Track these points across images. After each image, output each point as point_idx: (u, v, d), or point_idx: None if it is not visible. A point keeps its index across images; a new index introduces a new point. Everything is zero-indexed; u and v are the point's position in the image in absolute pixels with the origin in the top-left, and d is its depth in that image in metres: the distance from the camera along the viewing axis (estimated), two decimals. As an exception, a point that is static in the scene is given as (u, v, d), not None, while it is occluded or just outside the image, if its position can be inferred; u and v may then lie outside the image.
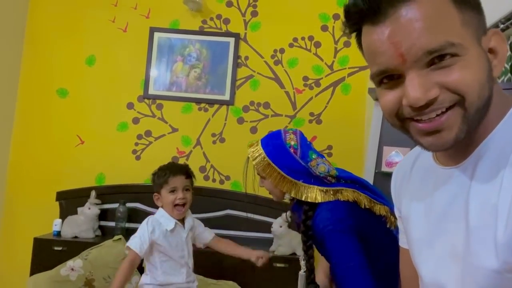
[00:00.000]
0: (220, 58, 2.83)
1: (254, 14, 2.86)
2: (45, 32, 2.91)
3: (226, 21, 2.86)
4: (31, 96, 2.90)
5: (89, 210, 2.53)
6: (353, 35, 0.67)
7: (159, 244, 1.79)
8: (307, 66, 2.81)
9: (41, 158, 2.85)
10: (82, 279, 2.24)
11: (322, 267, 1.47)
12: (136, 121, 2.85)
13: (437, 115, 0.58)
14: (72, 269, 2.23)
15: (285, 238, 2.40)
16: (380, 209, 1.27)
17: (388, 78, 0.61)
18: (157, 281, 1.79)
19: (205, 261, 2.28)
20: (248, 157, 1.37)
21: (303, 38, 2.83)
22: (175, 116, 2.84)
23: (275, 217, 2.47)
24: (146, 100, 2.86)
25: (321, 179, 1.27)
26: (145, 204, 2.62)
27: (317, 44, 2.82)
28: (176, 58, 2.86)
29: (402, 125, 0.63)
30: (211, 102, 2.83)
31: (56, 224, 2.54)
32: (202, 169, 2.81)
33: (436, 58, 0.56)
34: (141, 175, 2.66)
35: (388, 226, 1.27)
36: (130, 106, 2.86)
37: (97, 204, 2.57)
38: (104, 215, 2.64)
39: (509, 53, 1.59)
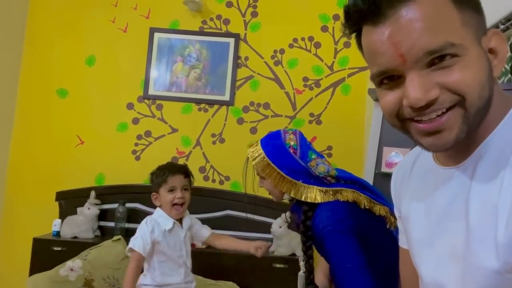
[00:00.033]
0: (220, 59, 2.83)
1: (254, 14, 2.86)
2: (45, 32, 2.91)
3: (226, 22, 2.86)
4: (31, 96, 2.90)
5: (89, 210, 2.52)
6: (353, 35, 0.66)
7: (158, 243, 1.79)
8: (307, 66, 2.81)
9: (41, 158, 2.85)
10: (81, 279, 2.23)
11: (321, 267, 1.47)
12: (136, 121, 2.85)
13: (438, 116, 0.58)
14: (72, 269, 2.23)
15: (284, 239, 2.40)
16: (379, 209, 1.27)
17: (388, 79, 0.61)
18: (155, 281, 1.79)
19: (204, 262, 2.28)
20: (248, 157, 1.37)
21: (303, 39, 2.83)
22: (175, 117, 2.84)
23: (275, 218, 2.47)
24: (146, 101, 2.86)
25: (320, 179, 1.27)
26: (144, 204, 2.62)
27: (317, 45, 2.82)
28: (176, 59, 2.86)
29: (403, 125, 0.63)
30: (211, 103, 2.83)
31: (56, 224, 2.54)
32: (202, 169, 2.80)
33: (436, 59, 0.56)
34: (140, 175, 2.66)
35: (388, 227, 1.27)
36: (130, 106, 2.86)
37: (96, 204, 2.56)
38: (103, 215, 2.63)
39: (509, 53, 1.59)
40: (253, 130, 2.81)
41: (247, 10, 2.86)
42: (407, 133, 0.63)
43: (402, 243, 0.87)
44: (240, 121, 2.82)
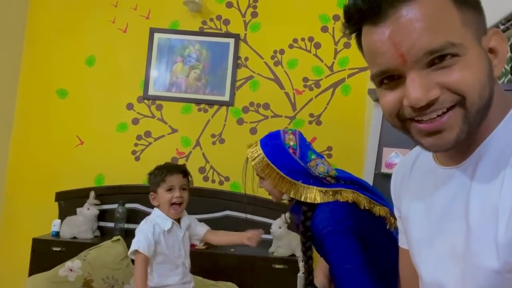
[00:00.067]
0: (220, 59, 2.83)
1: (254, 15, 2.86)
2: (45, 32, 2.91)
3: (226, 22, 2.86)
4: (30, 96, 2.90)
5: (88, 211, 2.52)
6: (353, 35, 0.66)
7: (158, 244, 1.78)
8: (307, 67, 2.81)
9: (41, 158, 2.85)
10: (80, 280, 2.23)
11: (321, 267, 1.46)
12: (135, 121, 2.85)
13: (438, 116, 0.58)
14: (71, 270, 2.23)
15: (284, 239, 2.39)
16: (379, 210, 1.27)
17: (389, 79, 0.61)
18: (153, 283, 1.78)
19: (204, 262, 2.28)
20: (247, 158, 1.36)
21: (303, 39, 2.83)
22: (174, 117, 2.84)
23: (275, 218, 2.47)
24: (145, 101, 2.85)
25: (320, 180, 1.27)
26: (144, 204, 2.62)
27: (317, 45, 2.82)
28: (176, 59, 2.85)
29: (403, 125, 0.63)
30: (210, 103, 2.83)
31: (55, 224, 2.54)
32: (202, 170, 2.80)
33: (437, 58, 0.56)
34: (140, 175, 2.65)
35: (387, 228, 1.27)
36: (129, 106, 2.85)
37: (96, 204, 2.56)
38: (103, 215, 2.63)
39: (509, 54, 1.58)
40: (253, 131, 2.81)
41: (247, 10, 2.86)
42: (408, 133, 0.63)
43: (402, 243, 0.87)
44: (240, 121, 2.82)
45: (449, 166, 0.66)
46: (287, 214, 2.26)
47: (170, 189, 1.81)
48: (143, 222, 1.82)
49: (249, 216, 2.50)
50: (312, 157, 1.30)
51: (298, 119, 2.80)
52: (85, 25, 2.89)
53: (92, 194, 2.56)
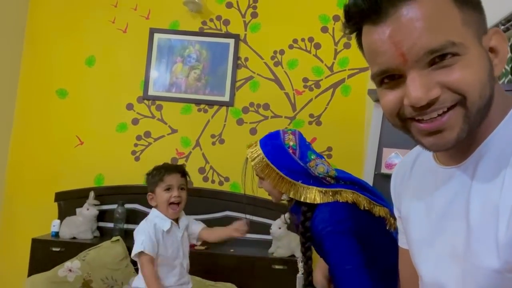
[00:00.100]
0: (220, 59, 2.83)
1: (254, 15, 2.86)
2: (45, 32, 2.91)
3: (226, 22, 2.86)
4: (30, 96, 2.89)
5: (88, 211, 2.52)
6: (353, 35, 0.66)
7: (158, 244, 1.77)
8: (307, 67, 2.81)
9: (40, 158, 2.85)
10: (79, 280, 2.23)
11: (320, 268, 1.46)
12: (135, 122, 2.84)
13: (439, 115, 0.57)
14: (70, 270, 2.22)
15: (284, 240, 2.39)
16: (379, 210, 1.26)
17: (389, 78, 0.61)
18: None
19: (203, 263, 2.28)
20: (247, 158, 1.36)
21: (303, 40, 2.83)
22: (174, 117, 2.84)
23: (274, 219, 2.47)
24: (145, 101, 2.85)
25: (320, 180, 1.27)
26: (143, 205, 2.62)
27: (317, 46, 2.82)
28: (175, 59, 2.85)
29: (404, 125, 0.63)
30: (210, 103, 2.82)
31: (55, 225, 2.54)
32: (202, 170, 2.80)
33: (437, 58, 0.56)
34: (140, 176, 2.63)
35: (387, 228, 1.27)
36: (129, 107, 2.85)
37: (95, 205, 2.56)
38: (102, 216, 2.63)
39: (509, 54, 1.58)
40: (253, 131, 2.80)
41: (247, 10, 2.86)
42: (408, 132, 0.63)
43: (402, 243, 0.87)
44: (240, 122, 2.82)
45: (450, 166, 0.66)
46: (287, 215, 2.26)
47: (168, 189, 1.81)
48: (143, 222, 1.81)
49: (248, 216, 2.50)
50: (312, 157, 1.29)
51: (298, 119, 2.80)
52: (85, 25, 2.89)
53: (91, 194, 2.56)
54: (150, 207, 1.88)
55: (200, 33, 2.85)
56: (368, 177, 2.32)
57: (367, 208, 1.25)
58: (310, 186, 1.26)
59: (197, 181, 2.76)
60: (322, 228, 1.19)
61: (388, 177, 1.13)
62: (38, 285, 2.16)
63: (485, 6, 0.61)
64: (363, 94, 2.70)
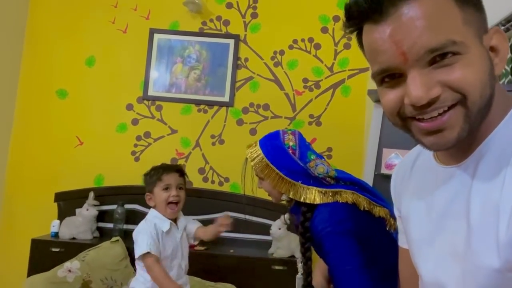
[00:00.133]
0: (219, 60, 2.83)
1: (254, 15, 2.86)
2: (45, 32, 2.91)
3: (226, 23, 2.86)
4: (30, 96, 2.89)
5: (87, 212, 2.52)
6: (354, 34, 0.66)
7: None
8: (307, 68, 2.81)
9: (40, 158, 2.85)
10: (79, 281, 2.22)
11: (319, 268, 1.46)
12: (135, 122, 2.84)
13: (439, 114, 0.57)
14: (69, 271, 2.22)
15: (283, 241, 2.39)
16: (379, 211, 1.26)
17: (390, 77, 0.61)
18: (146, 286, 1.74)
19: (203, 263, 2.27)
20: (247, 158, 1.36)
21: (303, 40, 2.83)
22: (174, 118, 2.84)
23: (274, 219, 2.46)
24: (145, 101, 2.85)
25: (320, 180, 1.26)
26: (143, 205, 2.61)
27: (317, 46, 2.82)
28: (175, 60, 2.85)
29: (404, 124, 0.63)
30: (210, 104, 2.82)
31: (54, 225, 2.54)
32: (201, 170, 2.80)
33: (438, 57, 0.56)
34: (140, 176, 2.61)
35: (387, 229, 1.26)
36: (129, 107, 2.85)
37: (95, 205, 2.56)
38: (102, 216, 2.62)
39: (509, 55, 1.58)
40: (253, 131, 2.80)
41: (247, 11, 2.86)
42: (409, 132, 0.63)
43: (402, 242, 0.87)
44: (240, 122, 2.81)
45: (450, 165, 0.66)
46: (287, 215, 2.26)
47: (166, 188, 1.80)
48: (142, 223, 1.80)
49: (248, 217, 2.50)
50: (312, 157, 1.29)
51: (298, 120, 2.79)
52: (85, 26, 2.89)
53: (91, 194, 2.55)
54: (150, 207, 1.88)
55: (200, 34, 2.85)
56: (368, 178, 2.32)
57: (367, 209, 1.24)
58: (310, 187, 1.25)
59: (197, 181, 2.76)
60: (321, 228, 1.19)
61: (388, 177, 1.13)
62: (38, 286, 2.16)
63: (486, 6, 0.61)
64: (363, 95, 2.70)
